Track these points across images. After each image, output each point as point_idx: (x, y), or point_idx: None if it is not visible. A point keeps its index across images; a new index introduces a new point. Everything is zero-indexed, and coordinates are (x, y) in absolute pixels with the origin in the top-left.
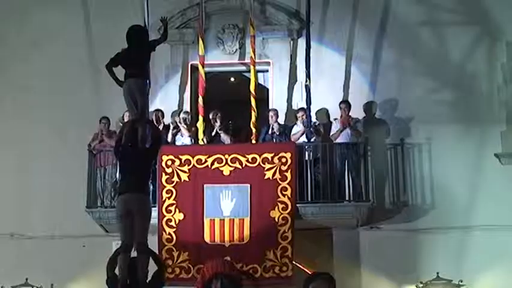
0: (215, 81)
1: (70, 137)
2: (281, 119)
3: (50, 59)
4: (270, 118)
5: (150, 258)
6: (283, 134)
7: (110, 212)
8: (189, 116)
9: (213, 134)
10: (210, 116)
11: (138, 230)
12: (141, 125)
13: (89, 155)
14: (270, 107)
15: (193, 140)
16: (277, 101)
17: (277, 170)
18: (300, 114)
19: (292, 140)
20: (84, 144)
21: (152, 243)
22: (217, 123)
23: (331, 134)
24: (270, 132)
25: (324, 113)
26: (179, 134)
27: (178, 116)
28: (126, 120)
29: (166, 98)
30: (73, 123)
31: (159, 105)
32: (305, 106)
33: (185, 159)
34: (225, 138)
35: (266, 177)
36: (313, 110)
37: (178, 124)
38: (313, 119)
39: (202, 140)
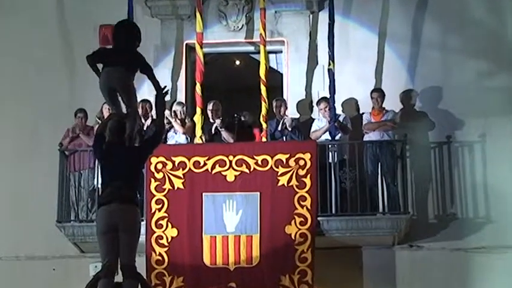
0: (216, 64)
1: (37, 134)
2: (293, 111)
3: (12, 39)
4: (275, 109)
5: (139, 285)
6: (296, 129)
7: (87, 228)
8: (184, 108)
9: (214, 130)
10: (210, 108)
11: (124, 249)
12: (130, 120)
13: (61, 157)
14: (285, 97)
15: (189, 138)
16: (293, 88)
17: (294, 175)
18: (321, 105)
19: (312, 137)
20: (55, 142)
21: (139, 265)
22: (218, 118)
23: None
24: (280, 127)
25: (351, 104)
26: (172, 130)
27: (171, 108)
28: (104, 114)
29: None
30: (41, 117)
31: (147, 94)
32: (328, 96)
33: (179, 162)
34: (228, 136)
35: (280, 183)
36: (338, 100)
37: (170, 118)
38: (338, 111)
39: (201, 138)
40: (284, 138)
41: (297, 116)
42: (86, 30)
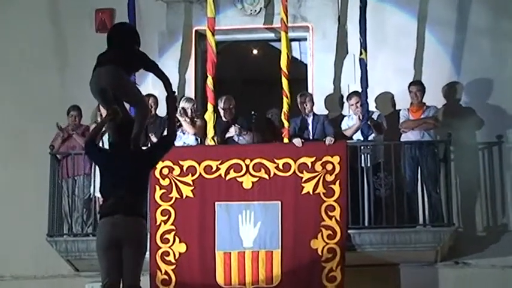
0: (231, 54)
1: (24, 135)
2: (321, 107)
3: None
4: (300, 106)
5: None
6: (322, 127)
7: (82, 243)
8: (194, 105)
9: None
10: (222, 105)
11: (128, 268)
12: (138, 117)
13: (51, 160)
14: (310, 91)
15: (199, 139)
16: (319, 81)
17: (321, 181)
18: (352, 101)
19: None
20: (45, 144)
21: (142, 286)
22: (234, 122)
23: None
24: (302, 124)
25: (386, 99)
26: (179, 130)
27: (178, 104)
28: (102, 108)
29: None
30: (29, 116)
31: (151, 89)
32: (360, 89)
33: (188, 167)
34: (245, 136)
35: (304, 191)
36: (372, 94)
37: (179, 117)
38: (372, 107)
39: (213, 139)
40: (309, 137)
41: (325, 112)
42: (79, 15)
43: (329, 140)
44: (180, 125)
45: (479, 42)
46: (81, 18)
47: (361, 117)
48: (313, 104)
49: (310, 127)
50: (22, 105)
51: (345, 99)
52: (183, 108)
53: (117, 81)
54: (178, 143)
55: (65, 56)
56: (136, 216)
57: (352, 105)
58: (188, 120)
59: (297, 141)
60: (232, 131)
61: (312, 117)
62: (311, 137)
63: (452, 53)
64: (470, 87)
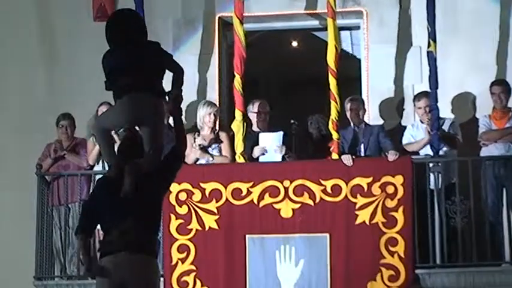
0: (264, 47)
1: (5, 151)
2: (375, 114)
3: None
4: (349, 113)
5: None
6: (376, 141)
7: (77, 287)
8: (218, 112)
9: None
10: (254, 110)
11: None
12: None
13: (39, 183)
14: (364, 93)
15: (223, 153)
16: (375, 81)
17: (379, 208)
18: (421, 103)
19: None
20: (31, 163)
21: None
22: (267, 128)
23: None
24: (352, 137)
25: (462, 102)
26: (199, 142)
27: (199, 111)
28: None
29: None
30: (10, 127)
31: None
32: (428, 89)
33: (212, 191)
34: (282, 150)
35: (359, 220)
36: (443, 97)
37: (199, 126)
38: (444, 113)
39: (242, 155)
40: (362, 152)
41: (380, 121)
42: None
43: (393, 155)
44: (201, 136)
45: None
46: (75, 3)
47: (429, 126)
48: (365, 111)
49: (361, 140)
50: (5, 113)
51: (406, 105)
52: (203, 115)
53: (158, 116)
54: (199, 159)
55: (55, 51)
56: (146, 255)
57: (420, 108)
58: (211, 129)
59: (347, 159)
60: (258, 150)
61: (363, 128)
62: (362, 153)
63: None
64: None
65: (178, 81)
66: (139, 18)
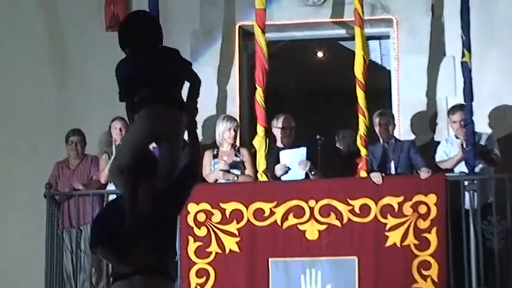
0: (287, 58)
1: (11, 168)
2: (406, 128)
3: None
4: (378, 128)
5: None
6: (407, 157)
7: None
8: (238, 127)
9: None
10: (278, 125)
11: None
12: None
13: (49, 204)
14: (394, 106)
15: (245, 172)
16: (406, 94)
17: (411, 229)
18: (456, 117)
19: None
20: (40, 182)
21: None
22: (290, 142)
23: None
24: (381, 153)
25: (499, 116)
26: (220, 160)
27: (217, 126)
28: (115, 131)
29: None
30: (18, 143)
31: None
32: (462, 102)
33: (233, 211)
34: (306, 165)
35: (389, 242)
36: (479, 111)
37: (218, 142)
38: (480, 128)
39: (265, 173)
40: (393, 169)
41: (411, 137)
42: (84, 8)
43: (425, 172)
44: (220, 153)
45: None
46: (86, 12)
47: (464, 142)
48: (395, 126)
49: (391, 157)
50: (7, 129)
51: (439, 119)
52: (223, 130)
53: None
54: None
55: (65, 64)
56: (162, 279)
57: (455, 122)
58: (231, 145)
59: (376, 176)
60: (280, 169)
61: (393, 143)
62: (392, 171)
63: None
64: None
65: (194, 92)
66: (155, 21)
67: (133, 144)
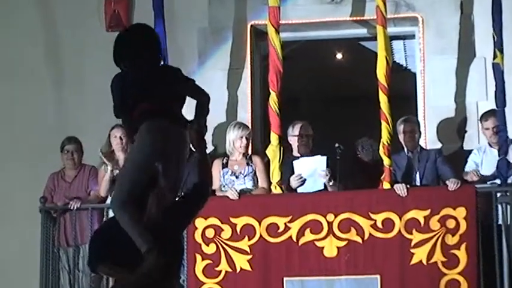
0: (303, 59)
1: (3, 181)
2: (432, 137)
3: None
4: (402, 136)
5: None
6: (434, 167)
7: None
8: (250, 135)
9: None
10: (295, 133)
11: None
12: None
13: (43, 219)
14: (420, 112)
15: (259, 184)
16: (433, 98)
17: (438, 245)
18: (488, 123)
19: (468, 180)
20: (34, 196)
21: None
22: (308, 151)
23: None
24: (406, 163)
25: None
26: (229, 170)
27: (228, 134)
28: (115, 140)
29: None
30: (10, 152)
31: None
32: (495, 107)
33: (244, 226)
34: (325, 178)
35: (415, 260)
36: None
37: (228, 151)
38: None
39: (279, 185)
40: (418, 181)
41: (438, 145)
42: (82, 7)
43: (454, 183)
44: (230, 163)
45: None
46: (84, 11)
47: (497, 150)
48: (420, 134)
49: (416, 167)
50: (6, 136)
51: (468, 126)
52: (233, 138)
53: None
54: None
55: (61, 66)
56: None
57: (488, 129)
58: (242, 154)
59: (400, 188)
60: (295, 180)
61: (419, 152)
62: (417, 182)
63: None
64: None
65: (202, 109)
66: (154, 35)
67: (137, 166)
